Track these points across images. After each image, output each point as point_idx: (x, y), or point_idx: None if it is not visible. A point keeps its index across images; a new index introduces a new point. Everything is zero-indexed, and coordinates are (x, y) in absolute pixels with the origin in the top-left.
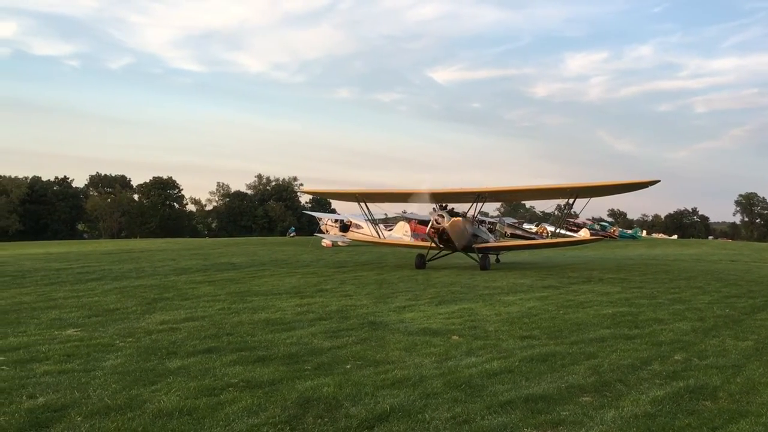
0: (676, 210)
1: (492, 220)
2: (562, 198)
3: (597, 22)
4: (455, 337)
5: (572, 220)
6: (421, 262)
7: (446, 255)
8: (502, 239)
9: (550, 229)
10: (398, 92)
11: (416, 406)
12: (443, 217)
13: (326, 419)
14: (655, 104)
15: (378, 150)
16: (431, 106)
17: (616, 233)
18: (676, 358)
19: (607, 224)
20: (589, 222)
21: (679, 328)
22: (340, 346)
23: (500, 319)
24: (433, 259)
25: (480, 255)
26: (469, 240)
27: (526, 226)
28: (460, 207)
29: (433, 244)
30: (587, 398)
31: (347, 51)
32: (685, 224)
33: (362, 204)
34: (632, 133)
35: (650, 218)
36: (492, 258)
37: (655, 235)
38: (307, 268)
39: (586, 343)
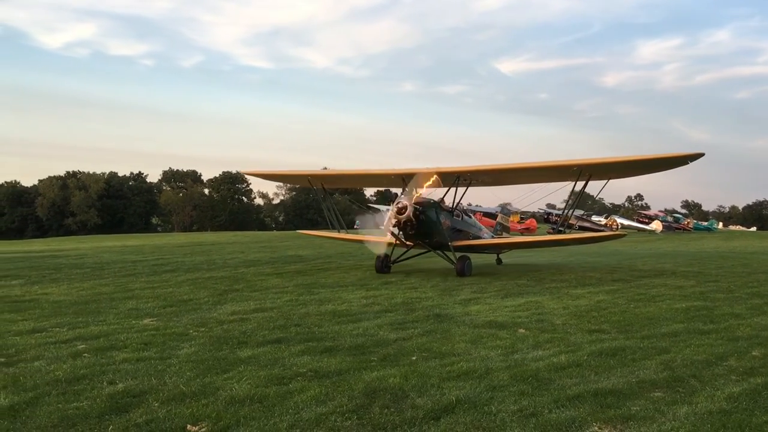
0: (755, 201)
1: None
2: (570, 179)
3: (670, 8)
4: (522, 330)
5: (644, 212)
6: (383, 265)
7: (419, 255)
8: (505, 235)
9: (621, 221)
10: (463, 84)
11: (482, 398)
12: (405, 205)
13: (392, 409)
14: (732, 91)
15: (443, 143)
16: (497, 98)
17: (691, 225)
18: (753, 353)
19: (680, 216)
20: (661, 214)
21: (757, 323)
22: (405, 337)
23: (568, 312)
24: (399, 261)
25: (458, 255)
26: (446, 234)
27: (594, 218)
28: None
29: (398, 241)
30: (659, 393)
31: (412, 44)
32: (764, 216)
33: (320, 189)
34: (708, 122)
35: (727, 209)
36: (470, 260)
37: (732, 227)
38: (373, 261)
39: (658, 337)
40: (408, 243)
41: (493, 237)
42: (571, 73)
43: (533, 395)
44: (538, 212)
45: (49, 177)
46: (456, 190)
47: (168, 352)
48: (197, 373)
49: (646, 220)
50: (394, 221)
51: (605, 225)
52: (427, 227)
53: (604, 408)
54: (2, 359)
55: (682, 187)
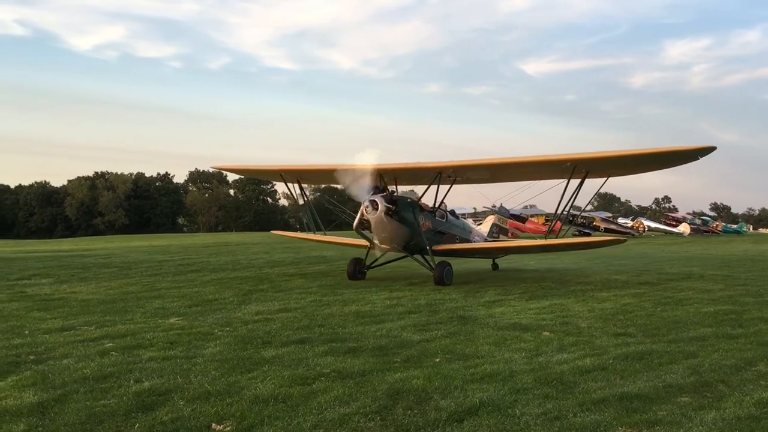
0: None
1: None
2: (563, 176)
3: (699, 8)
4: (546, 333)
5: (671, 214)
6: (356, 270)
7: (396, 260)
8: (502, 238)
9: (648, 223)
10: (488, 85)
11: (506, 400)
12: (375, 203)
13: (416, 411)
14: (763, 92)
15: (468, 144)
16: (522, 99)
17: (719, 228)
18: None
19: (709, 218)
20: (689, 216)
21: None
22: (429, 339)
23: (593, 315)
24: (374, 266)
25: (436, 261)
26: (425, 237)
27: (621, 220)
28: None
29: (370, 243)
30: (686, 398)
31: (437, 45)
32: None
33: (294, 185)
34: (738, 123)
35: (757, 212)
36: (450, 266)
37: (762, 230)
38: (396, 262)
39: (686, 341)
40: (383, 246)
41: (486, 240)
42: (597, 74)
43: (558, 398)
44: (563, 214)
45: (78, 177)
46: (438, 187)
47: (193, 351)
48: (222, 373)
49: (674, 223)
50: (358, 224)
51: (632, 227)
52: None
53: (629, 412)
54: (32, 357)
55: (711, 189)
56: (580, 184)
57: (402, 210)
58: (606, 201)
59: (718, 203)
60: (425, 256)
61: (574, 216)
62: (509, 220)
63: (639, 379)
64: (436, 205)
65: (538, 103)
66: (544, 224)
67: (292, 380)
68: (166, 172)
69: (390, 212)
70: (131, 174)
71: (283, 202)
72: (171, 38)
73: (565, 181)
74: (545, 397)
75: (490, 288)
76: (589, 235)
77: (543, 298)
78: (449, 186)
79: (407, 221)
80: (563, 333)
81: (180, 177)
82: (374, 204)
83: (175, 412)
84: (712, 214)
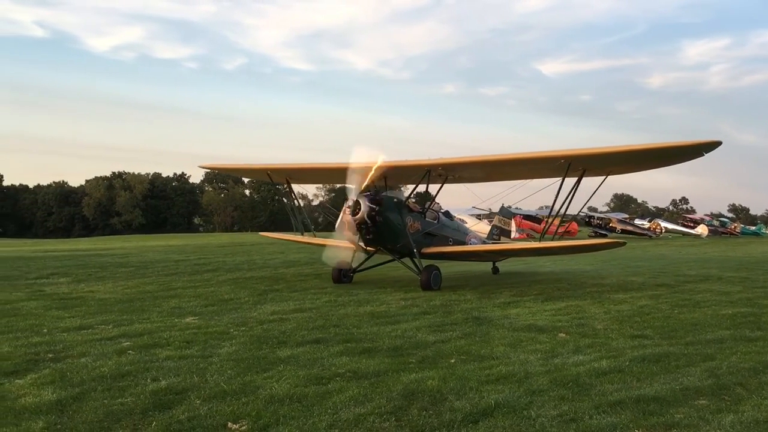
0: None
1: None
2: (557, 174)
3: (718, 8)
4: (562, 335)
5: (689, 216)
6: (341, 273)
7: (384, 264)
8: (503, 240)
9: (665, 225)
10: (504, 86)
11: (521, 402)
12: (358, 204)
13: (431, 412)
14: None
15: (481, 145)
16: (538, 100)
17: (738, 229)
18: None
19: (727, 220)
20: (707, 218)
21: None
22: (444, 340)
23: (610, 317)
24: (360, 270)
25: (425, 265)
26: (413, 239)
27: (637, 221)
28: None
29: (357, 246)
30: (703, 401)
31: (453, 46)
32: None
33: (286, 185)
34: (757, 124)
35: None
36: (439, 270)
37: None
38: (411, 263)
39: (703, 344)
40: (369, 249)
41: (485, 243)
42: (614, 74)
43: (573, 400)
44: (579, 216)
45: (96, 177)
46: (427, 186)
47: (209, 350)
48: (238, 372)
49: (692, 224)
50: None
51: (648, 229)
52: (387, 230)
53: (646, 415)
54: (50, 355)
55: (729, 190)
56: (577, 183)
57: (387, 210)
58: (622, 202)
59: (737, 204)
60: (413, 259)
61: (590, 217)
62: (524, 221)
63: (656, 382)
64: (427, 205)
65: (555, 104)
66: (560, 225)
67: (308, 380)
68: (183, 173)
69: (374, 212)
70: (148, 174)
71: (300, 202)
72: (187, 39)
73: (561, 179)
74: (561, 399)
75: (505, 289)
76: (605, 236)
77: (558, 299)
78: (440, 185)
79: (392, 223)
80: (579, 335)
81: (196, 177)
82: (357, 205)
83: (192, 411)
84: (731, 215)
